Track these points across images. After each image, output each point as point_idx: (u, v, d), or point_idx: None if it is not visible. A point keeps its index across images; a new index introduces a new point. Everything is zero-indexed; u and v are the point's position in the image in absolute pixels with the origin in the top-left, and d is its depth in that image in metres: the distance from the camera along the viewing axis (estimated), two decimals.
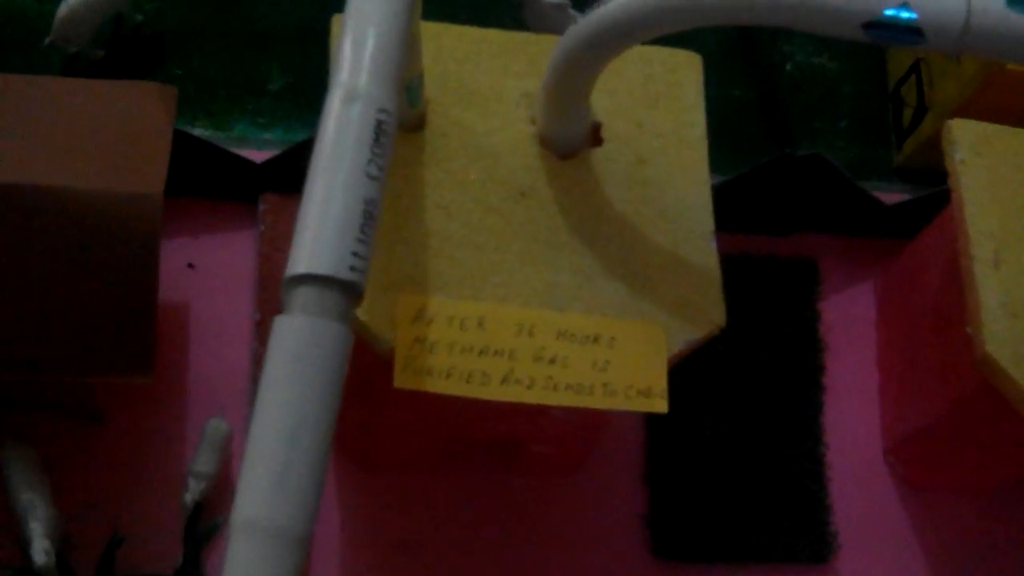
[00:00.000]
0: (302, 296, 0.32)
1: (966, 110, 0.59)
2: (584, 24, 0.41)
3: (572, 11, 0.60)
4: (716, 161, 0.47)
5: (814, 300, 0.61)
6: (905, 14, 0.40)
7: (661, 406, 0.43)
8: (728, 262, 0.58)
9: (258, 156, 0.57)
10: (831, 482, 0.58)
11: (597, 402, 0.43)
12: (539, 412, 0.49)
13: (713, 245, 0.46)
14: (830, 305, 0.61)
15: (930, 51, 0.41)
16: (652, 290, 0.45)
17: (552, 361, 0.43)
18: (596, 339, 0.44)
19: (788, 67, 0.66)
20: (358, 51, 0.35)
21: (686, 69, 0.49)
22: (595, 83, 0.43)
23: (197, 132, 0.57)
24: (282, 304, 0.32)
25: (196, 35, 0.62)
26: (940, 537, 0.58)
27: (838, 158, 0.65)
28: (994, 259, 0.49)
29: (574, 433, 0.53)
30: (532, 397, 0.43)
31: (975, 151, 0.51)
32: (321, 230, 0.32)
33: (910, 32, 0.40)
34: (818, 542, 0.57)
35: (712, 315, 0.45)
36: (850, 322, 0.61)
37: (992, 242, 0.49)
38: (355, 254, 0.32)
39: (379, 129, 0.34)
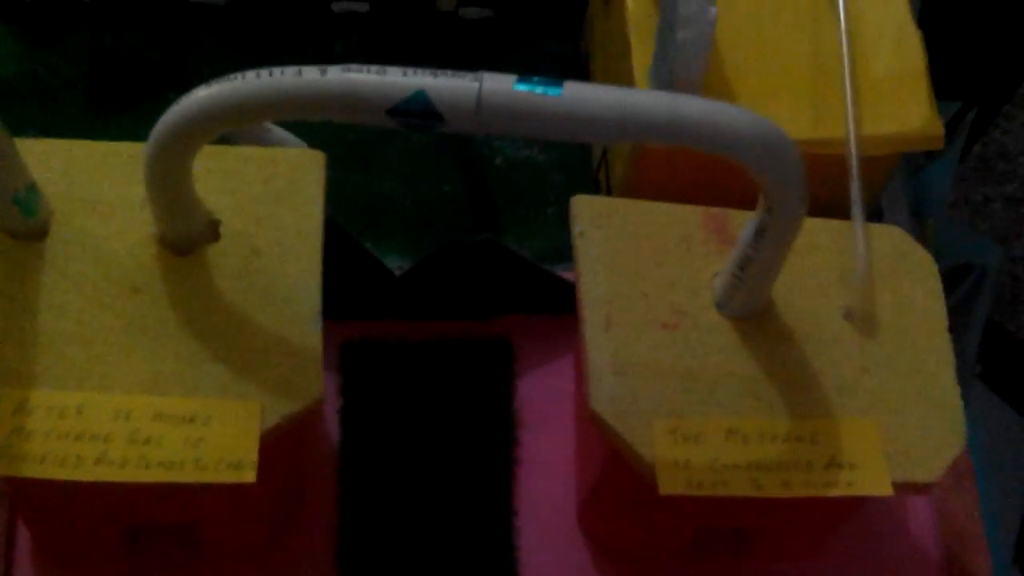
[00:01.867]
0: None
1: (629, 189, 0.63)
2: (162, 123, 0.45)
3: (275, 128, 0.65)
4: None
5: (509, 378, 0.64)
6: (422, 99, 0.44)
7: (250, 476, 0.46)
8: (424, 348, 0.62)
9: None
10: (521, 551, 0.60)
11: (188, 476, 0.46)
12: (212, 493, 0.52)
13: (318, 326, 0.50)
14: (527, 382, 0.64)
15: (460, 131, 0.44)
16: (254, 371, 0.49)
17: (147, 441, 0.47)
18: (192, 419, 0.47)
19: (497, 160, 0.70)
20: None
21: (310, 167, 0.53)
22: (188, 174, 0.47)
23: None
24: None
25: None
26: None
27: (546, 243, 0.69)
28: (605, 322, 0.52)
29: (260, 509, 0.57)
30: (124, 476, 0.46)
31: (594, 224, 0.54)
32: None
33: (430, 116, 0.44)
34: None
35: (311, 390, 0.49)
36: (547, 397, 0.63)
37: (604, 306, 0.52)
38: None
39: None
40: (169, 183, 0.47)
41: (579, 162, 0.71)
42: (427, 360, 0.64)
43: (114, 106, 0.48)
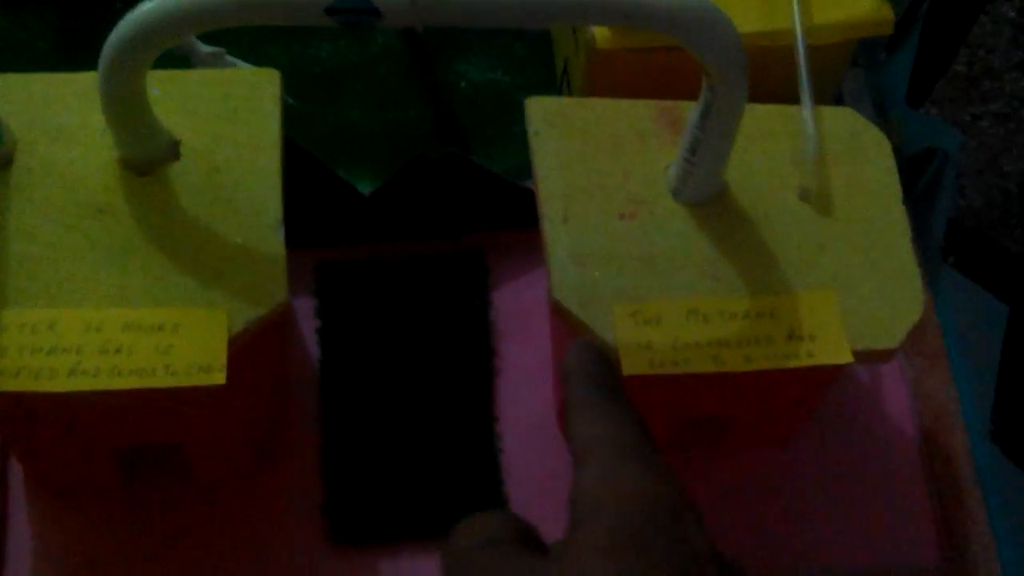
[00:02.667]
0: None
1: (588, 94, 0.64)
2: (111, 41, 0.46)
3: (229, 58, 0.66)
4: None
5: (484, 290, 0.65)
6: None
7: (219, 379, 0.48)
8: (398, 265, 0.63)
9: None
10: (504, 453, 0.61)
11: (160, 381, 0.47)
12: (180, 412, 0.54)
13: (280, 234, 0.51)
14: (502, 294, 0.65)
15: (398, 25, 0.45)
16: (219, 280, 0.50)
17: (118, 351, 0.48)
18: (160, 327, 0.49)
19: (463, 85, 0.71)
20: None
21: (265, 85, 0.55)
22: (143, 90, 0.48)
23: None
24: None
25: None
26: None
27: (515, 160, 0.70)
28: (563, 215, 0.53)
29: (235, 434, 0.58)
30: (97, 384, 0.47)
31: (548, 123, 0.55)
32: None
33: (368, 12, 0.45)
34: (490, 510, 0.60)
35: (275, 294, 0.50)
36: (522, 308, 0.64)
37: (561, 201, 0.53)
38: None
39: None
40: (124, 100, 0.48)
41: (543, 82, 0.72)
42: (402, 277, 0.65)
43: (83, 59, 0.49)
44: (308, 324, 0.63)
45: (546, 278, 0.52)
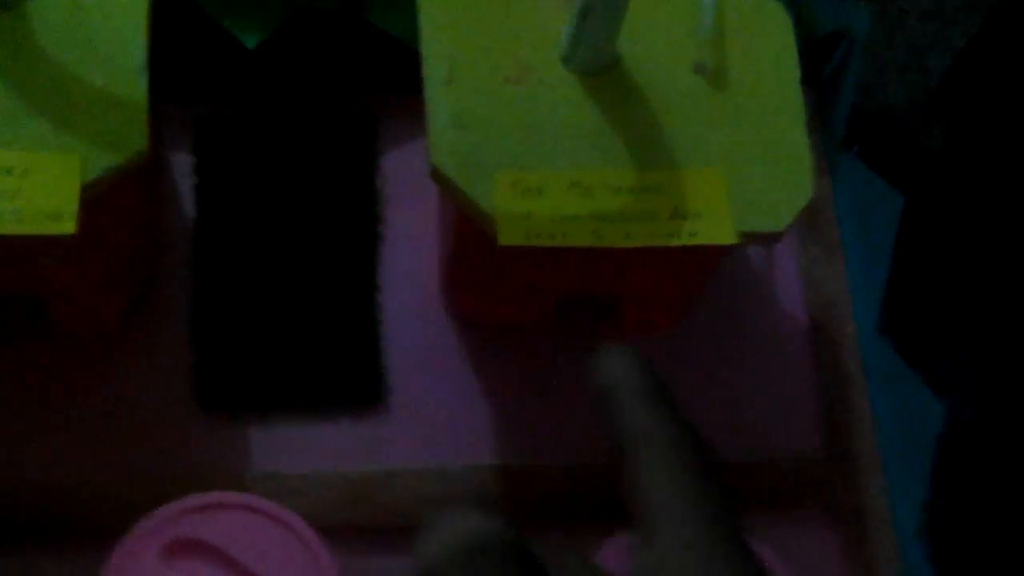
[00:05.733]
0: None
1: None
2: None
3: None
4: None
5: (373, 153, 0.62)
6: None
7: (69, 227, 0.45)
8: (282, 123, 0.61)
9: None
10: (385, 325, 0.59)
11: (7, 228, 0.45)
12: None
13: (143, 79, 0.48)
14: (391, 159, 0.63)
15: None
16: (76, 124, 0.47)
17: None
18: (9, 171, 0.46)
19: None
20: None
21: None
22: None
23: None
24: None
25: None
26: (494, 369, 0.60)
27: (412, 23, 0.66)
28: (448, 77, 0.51)
29: None
30: None
31: None
32: None
33: None
34: (369, 383, 0.58)
35: (135, 142, 0.47)
36: (412, 175, 0.62)
37: (445, 62, 0.51)
38: None
39: None
40: None
41: None
42: (286, 136, 0.62)
43: None
44: (185, 182, 0.61)
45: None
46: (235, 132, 0.61)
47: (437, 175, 0.50)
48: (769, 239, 0.51)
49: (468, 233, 0.53)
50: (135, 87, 0.48)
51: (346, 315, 0.59)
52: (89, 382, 0.57)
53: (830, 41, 0.64)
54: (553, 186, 0.49)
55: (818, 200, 0.64)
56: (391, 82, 0.63)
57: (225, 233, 0.60)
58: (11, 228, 0.45)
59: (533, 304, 0.58)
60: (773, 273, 0.63)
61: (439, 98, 0.50)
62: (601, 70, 0.52)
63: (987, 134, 0.80)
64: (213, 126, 0.61)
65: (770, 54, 0.53)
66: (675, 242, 0.49)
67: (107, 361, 0.57)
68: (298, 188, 0.61)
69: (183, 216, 0.60)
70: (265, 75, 0.62)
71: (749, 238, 0.50)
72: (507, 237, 0.48)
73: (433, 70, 0.51)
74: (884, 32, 0.73)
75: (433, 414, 0.59)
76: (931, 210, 0.65)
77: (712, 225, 0.49)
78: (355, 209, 0.61)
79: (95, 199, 0.47)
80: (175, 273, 0.59)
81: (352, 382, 0.59)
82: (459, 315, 0.60)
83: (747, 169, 0.51)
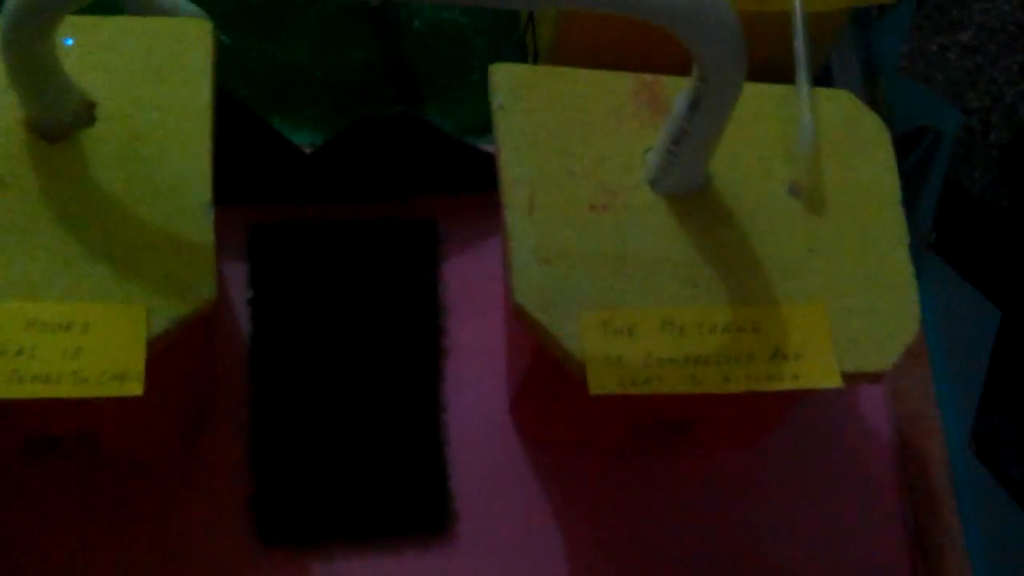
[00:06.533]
0: None
1: (557, 52, 0.58)
2: None
3: None
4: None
5: (434, 262, 0.59)
6: None
7: (135, 389, 0.42)
8: (339, 230, 0.57)
9: None
10: (450, 446, 0.56)
11: (67, 391, 0.42)
12: None
13: (209, 218, 0.45)
14: (453, 266, 0.59)
15: None
16: (138, 270, 0.44)
17: (19, 353, 0.42)
18: (69, 326, 0.43)
19: (416, 23, 0.65)
20: None
21: (195, 38, 0.48)
22: (51, 44, 0.42)
23: None
24: None
25: None
26: (566, 491, 0.56)
27: (471, 114, 0.63)
28: (529, 205, 0.47)
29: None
30: None
31: (515, 95, 0.49)
32: None
33: None
34: (435, 509, 0.55)
35: (201, 290, 0.44)
36: (475, 281, 0.59)
37: (527, 188, 0.48)
38: None
39: None
40: (31, 55, 0.42)
41: (505, 25, 0.65)
42: (344, 244, 0.59)
43: None
44: (239, 293, 0.58)
45: (504, 267, 0.46)
46: (291, 240, 0.58)
47: (522, 313, 0.46)
48: (873, 378, 0.48)
49: (547, 362, 0.50)
50: (200, 227, 0.45)
51: (410, 436, 0.56)
52: (144, 519, 0.54)
53: (912, 136, 0.61)
54: (644, 326, 0.46)
55: None
56: (451, 182, 0.60)
57: (283, 350, 0.57)
58: (72, 391, 0.42)
59: (610, 428, 0.55)
60: (856, 387, 0.60)
61: (521, 230, 0.47)
62: (691, 193, 0.48)
63: None
64: (269, 234, 0.58)
65: (869, 172, 0.50)
66: (777, 386, 0.46)
67: (161, 496, 0.54)
68: (357, 300, 0.58)
69: (239, 331, 0.57)
70: (322, 179, 0.58)
71: (853, 379, 0.47)
72: (599, 386, 0.45)
73: (513, 198, 0.48)
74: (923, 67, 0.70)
75: (502, 543, 0.56)
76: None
77: (814, 366, 0.46)
78: (417, 322, 0.58)
79: (158, 353, 0.43)
80: (231, 395, 0.56)
81: (417, 508, 0.56)
82: (529, 436, 0.57)
83: (848, 300, 0.48)
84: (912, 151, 0.62)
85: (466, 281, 0.59)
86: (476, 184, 0.60)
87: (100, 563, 0.53)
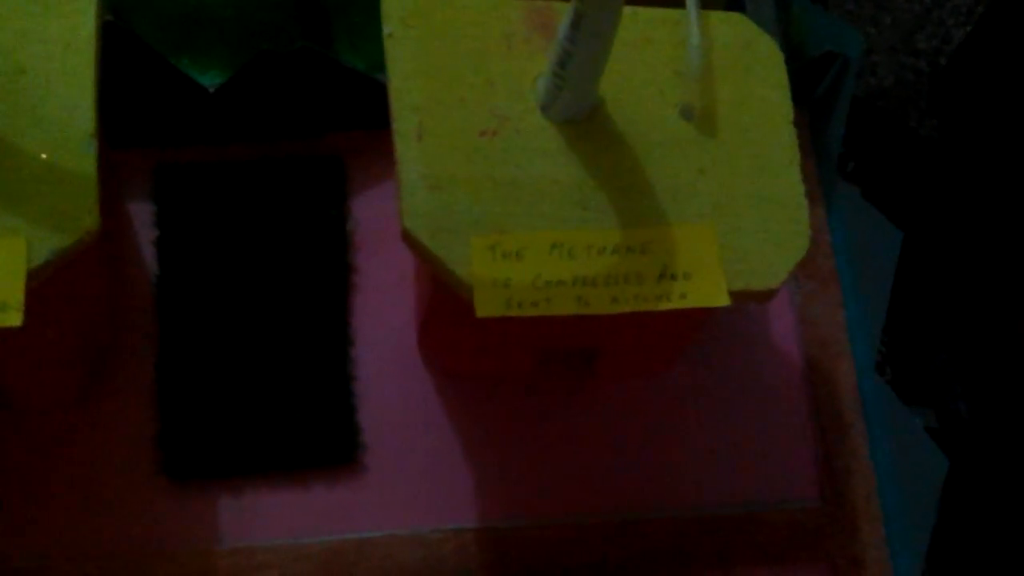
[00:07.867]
0: None
1: None
2: None
3: None
4: None
5: (342, 198, 0.59)
6: None
7: (15, 319, 0.42)
8: (246, 168, 0.57)
9: None
10: (359, 380, 0.57)
11: None
12: None
13: (92, 149, 0.45)
14: (361, 202, 0.59)
15: None
16: (18, 203, 0.44)
17: None
18: None
19: None
20: None
21: None
22: None
23: None
24: None
25: None
26: (474, 423, 0.57)
27: (382, 50, 0.63)
28: (418, 132, 0.47)
29: None
30: None
31: (405, 24, 0.49)
32: None
33: None
34: (343, 442, 0.55)
35: (83, 221, 0.44)
36: (383, 217, 0.59)
37: (416, 115, 0.48)
38: None
39: None
40: None
41: None
42: (250, 182, 0.59)
43: None
44: (145, 232, 0.58)
45: (395, 195, 0.47)
46: (197, 179, 0.58)
47: (409, 239, 0.46)
48: (763, 296, 0.48)
49: (444, 293, 0.50)
50: (83, 159, 0.45)
51: (318, 371, 0.56)
52: (48, 459, 0.54)
53: (823, 62, 0.61)
54: (533, 249, 0.46)
55: (812, 230, 0.61)
56: (358, 118, 0.60)
57: (189, 289, 0.57)
58: None
59: (514, 357, 0.56)
60: (766, 310, 0.60)
61: (410, 156, 0.47)
62: (582, 118, 0.48)
63: (984, 128, 0.77)
64: (174, 174, 0.58)
65: (762, 94, 0.50)
66: (665, 306, 0.46)
67: (66, 435, 0.54)
68: (264, 238, 0.58)
69: (145, 271, 0.57)
70: (226, 118, 0.58)
71: (742, 297, 0.47)
72: (485, 308, 0.45)
73: (403, 125, 0.48)
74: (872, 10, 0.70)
75: (410, 474, 0.56)
76: (929, 220, 0.62)
77: (703, 286, 0.47)
78: (325, 258, 0.58)
79: (42, 284, 0.43)
80: (137, 333, 0.56)
81: (325, 441, 0.56)
82: (437, 368, 0.57)
83: (738, 221, 0.48)
84: (822, 78, 0.62)
85: (375, 217, 0.59)
86: (384, 120, 0.59)
87: (7, 505, 0.53)
